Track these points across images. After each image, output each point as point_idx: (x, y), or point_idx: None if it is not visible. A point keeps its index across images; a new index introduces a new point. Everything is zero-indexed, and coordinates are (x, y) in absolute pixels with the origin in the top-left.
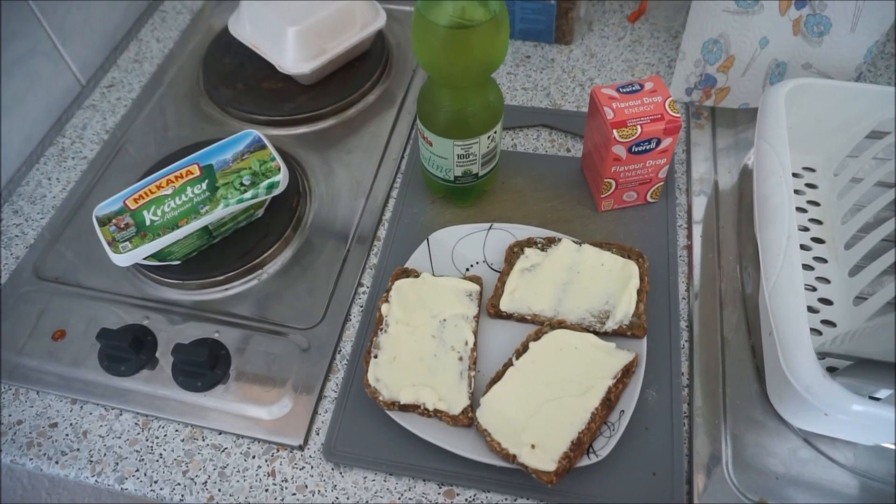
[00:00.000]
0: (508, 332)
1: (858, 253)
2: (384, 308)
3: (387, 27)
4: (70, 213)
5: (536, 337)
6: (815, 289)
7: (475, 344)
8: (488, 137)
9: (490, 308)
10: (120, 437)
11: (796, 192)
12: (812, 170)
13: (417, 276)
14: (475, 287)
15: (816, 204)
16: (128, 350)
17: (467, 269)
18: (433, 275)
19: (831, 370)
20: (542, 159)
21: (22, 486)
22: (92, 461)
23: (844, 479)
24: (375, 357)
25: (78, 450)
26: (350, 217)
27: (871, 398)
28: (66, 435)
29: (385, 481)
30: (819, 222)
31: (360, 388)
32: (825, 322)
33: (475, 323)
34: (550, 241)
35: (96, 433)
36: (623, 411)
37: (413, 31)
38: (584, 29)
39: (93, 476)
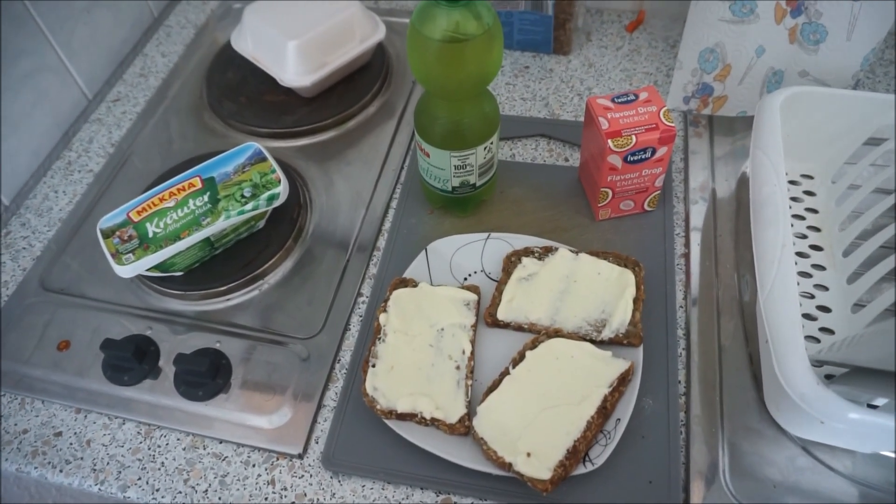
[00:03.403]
0: (505, 341)
1: (857, 260)
2: (382, 318)
3: (386, 39)
4: (76, 225)
5: (533, 346)
6: (813, 296)
7: (472, 353)
8: (485, 148)
9: (487, 317)
10: (123, 446)
11: (794, 199)
12: (810, 177)
13: (416, 285)
14: (473, 296)
15: (815, 211)
16: (131, 360)
17: (465, 279)
18: (431, 284)
19: (830, 377)
20: (540, 169)
21: (29, 494)
22: (95, 469)
23: (843, 488)
24: (373, 366)
25: (82, 458)
26: (350, 227)
27: (870, 406)
28: (71, 444)
29: (383, 489)
30: (817, 230)
31: (359, 397)
32: (823, 329)
33: (472, 332)
34: (547, 251)
35: (100, 442)
36: (619, 420)
37: (408, 44)
38: (583, 39)
39: (96, 484)
